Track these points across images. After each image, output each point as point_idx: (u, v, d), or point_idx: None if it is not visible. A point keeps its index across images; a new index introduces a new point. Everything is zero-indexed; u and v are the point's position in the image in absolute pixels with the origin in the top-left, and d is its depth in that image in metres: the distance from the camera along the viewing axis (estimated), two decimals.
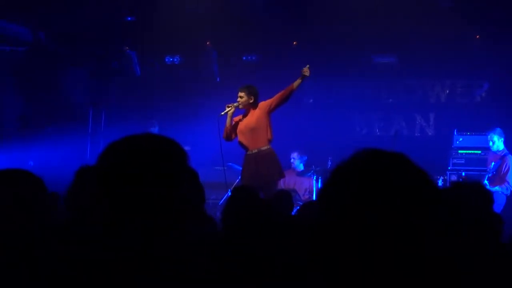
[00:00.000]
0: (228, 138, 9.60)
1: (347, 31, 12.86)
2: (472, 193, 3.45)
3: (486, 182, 10.63)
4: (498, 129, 11.07)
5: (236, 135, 9.57)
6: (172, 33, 13.20)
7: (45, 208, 2.93)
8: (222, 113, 9.42)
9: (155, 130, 13.12)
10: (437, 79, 13.91)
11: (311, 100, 14.76)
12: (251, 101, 9.38)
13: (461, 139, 12.14)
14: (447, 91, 13.86)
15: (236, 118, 9.58)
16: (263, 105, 9.41)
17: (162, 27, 13.09)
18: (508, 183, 10.58)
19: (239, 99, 9.40)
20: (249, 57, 14.42)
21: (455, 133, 12.26)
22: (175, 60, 14.72)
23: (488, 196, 3.55)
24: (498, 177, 10.73)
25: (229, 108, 9.37)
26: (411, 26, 12.61)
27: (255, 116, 9.37)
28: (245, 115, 9.50)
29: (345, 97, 14.26)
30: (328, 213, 1.53)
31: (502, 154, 10.93)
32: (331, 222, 1.51)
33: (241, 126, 9.46)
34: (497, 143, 11.00)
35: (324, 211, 1.55)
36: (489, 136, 11.10)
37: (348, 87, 14.18)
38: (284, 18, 13.25)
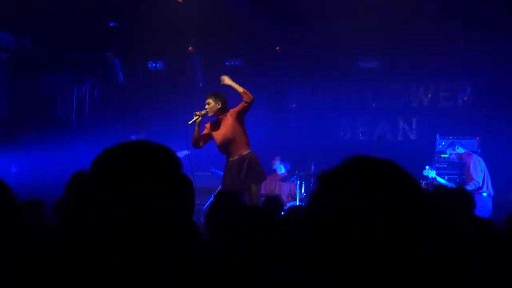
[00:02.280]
0: (196, 146, 9.56)
1: (331, 36, 12.90)
2: (454, 198, 3.46)
3: (450, 184, 10.79)
4: (447, 143, 11.40)
5: (204, 142, 9.55)
6: (155, 38, 13.18)
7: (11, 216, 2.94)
8: (190, 122, 9.32)
9: (141, 136, 13.09)
10: (420, 83, 13.97)
11: (294, 105, 14.79)
12: (219, 106, 9.31)
13: (443, 143, 12.21)
14: (430, 95, 13.92)
15: (208, 125, 9.55)
16: (233, 112, 9.33)
17: (145, 32, 13.07)
18: (474, 179, 10.69)
19: (206, 106, 9.34)
20: (232, 62, 14.42)
21: (438, 137, 12.34)
22: (158, 65, 14.70)
23: (470, 201, 3.56)
24: (467, 177, 10.90)
25: (197, 117, 9.30)
26: (395, 31, 12.68)
27: (228, 125, 9.28)
28: (217, 124, 9.41)
29: (329, 102, 14.29)
30: (322, 216, 1.57)
31: (466, 154, 11.09)
32: (327, 225, 1.55)
33: (218, 137, 9.40)
34: (455, 151, 11.19)
35: (316, 214, 1.58)
36: (448, 152, 11.35)
37: (332, 91, 14.21)
38: (268, 24, 13.27)
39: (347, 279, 1.52)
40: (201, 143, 9.55)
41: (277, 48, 13.98)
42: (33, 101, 14.08)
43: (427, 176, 11.18)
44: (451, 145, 11.34)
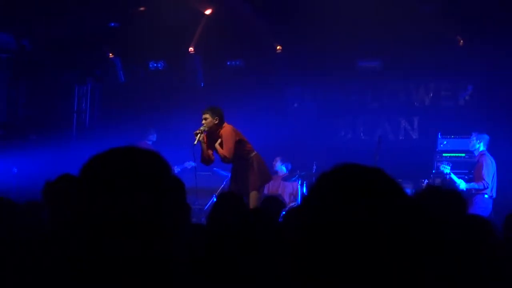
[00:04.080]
0: (207, 163, 9.60)
1: (332, 36, 12.88)
2: (444, 199, 3.44)
3: (460, 181, 10.74)
4: (475, 133, 11.19)
5: (212, 156, 9.54)
6: (156, 38, 13.18)
7: None
8: (195, 142, 9.24)
9: (153, 137, 13.08)
10: (421, 83, 13.93)
11: (296, 105, 14.77)
12: (216, 121, 9.26)
13: (445, 142, 12.18)
14: (431, 95, 13.89)
15: (205, 139, 9.51)
16: (221, 134, 9.30)
17: (146, 32, 13.07)
18: (484, 180, 10.64)
19: (203, 121, 9.27)
20: (233, 62, 14.41)
21: (439, 136, 12.30)
22: (159, 65, 14.69)
23: (462, 201, 3.54)
24: (475, 175, 10.85)
25: (199, 135, 9.22)
26: (395, 30, 12.65)
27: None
28: (215, 138, 9.36)
29: (330, 102, 14.27)
30: (313, 220, 1.60)
31: (480, 154, 11.02)
32: (319, 228, 1.58)
33: (217, 150, 9.40)
34: (476, 145, 11.10)
35: (311, 219, 1.62)
36: (471, 140, 11.22)
37: (333, 91, 14.19)
38: (269, 24, 13.26)
39: (342, 281, 1.55)
40: (212, 158, 9.54)
41: (278, 48, 13.96)
42: (34, 102, 14.08)
43: (442, 172, 11.10)
44: (478, 137, 11.09)
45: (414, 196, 3.52)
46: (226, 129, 9.34)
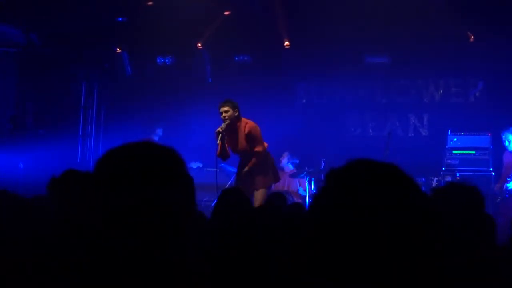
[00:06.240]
0: (226, 159, 9.55)
1: (340, 31, 12.83)
2: (463, 194, 3.43)
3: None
4: (506, 131, 11.02)
5: (230, 154, 9.49)
6: (163, 33, 13.15)
7: None
8: (218, 141, 9.15)
9: (159, 132, 13.04)
10: (431, 79, 13.89)
11: (304, 101, 14.73)
12: (236, 114, 9.20)
13: (455, 139, 12.10)
14: (441, 91, 13.83)
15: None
16: (247, 131, 9.22)
17: (154, 27, 13.05)
18: None
19: (224, 114, 9.16)
20: (241, 58, 14.38)
21: (449, 133, 12.23)
22: (167, 60, 14.67)
23: (480, 198, 3.52)
24: None
25: (221, 134, 9.11)
26: (404, 26, 12.60)
27: (242, 134, 9.24)
28: (231, 131, 9.26)
29: (339, 98, 14.24)
30: (325, 215, 1.60)
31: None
32: (330, 223, 1.58)
33: (232, 143, 9.32)
34: (508, 141, 10.95)
35: (320, 213, 1.62)
36: (504, 136, 11.04)
37: (341, 87, 14.16)
38: (277, 19, 13.22)
39: (342, 281, 1.54)
40: (229, 153, 9.50)
41: (286, 43, 13.89)
42: (41, 97, 14.06)
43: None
44: None
45: (434, 192, 3.50)
46: (252, 124, 9.29)
